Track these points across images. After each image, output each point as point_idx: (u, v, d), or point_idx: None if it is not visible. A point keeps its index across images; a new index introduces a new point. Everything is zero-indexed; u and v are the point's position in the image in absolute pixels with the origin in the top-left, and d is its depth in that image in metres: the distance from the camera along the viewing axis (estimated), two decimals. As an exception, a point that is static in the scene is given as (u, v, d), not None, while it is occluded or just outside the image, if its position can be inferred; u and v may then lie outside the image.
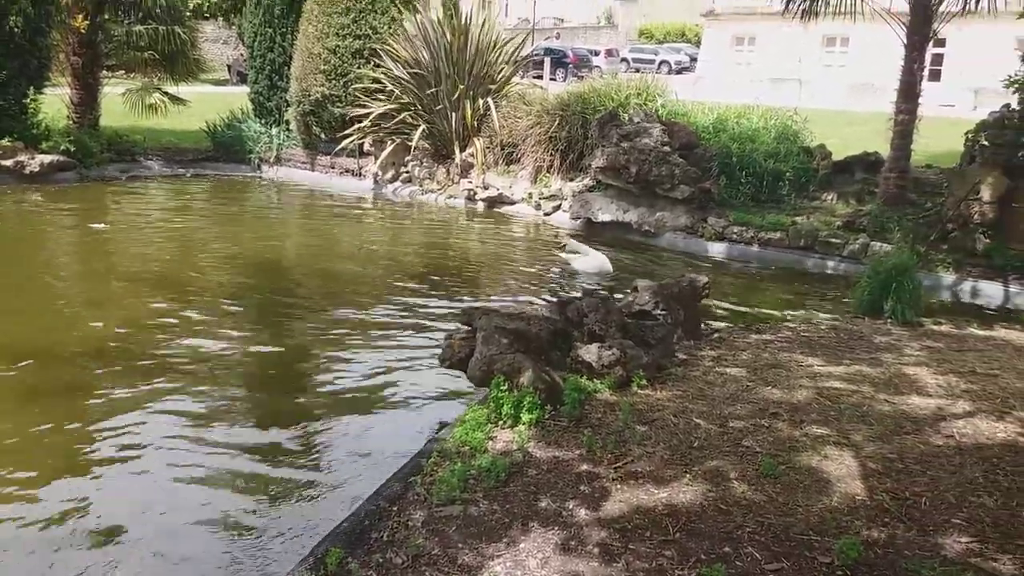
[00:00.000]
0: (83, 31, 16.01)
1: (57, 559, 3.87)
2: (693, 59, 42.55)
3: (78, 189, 13.92)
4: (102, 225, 11.45)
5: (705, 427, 4.69)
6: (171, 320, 7.35)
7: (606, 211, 11.92)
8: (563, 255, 9.92)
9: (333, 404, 5.74)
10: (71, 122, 15.93)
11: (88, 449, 4.94)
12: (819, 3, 11.39)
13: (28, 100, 14.10)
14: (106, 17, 16.55)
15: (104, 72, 17.04)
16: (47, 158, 14.00)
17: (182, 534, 4.13)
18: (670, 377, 5.51)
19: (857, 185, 11.50)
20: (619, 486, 4.01)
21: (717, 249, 10.88)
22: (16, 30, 13.53)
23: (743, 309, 8.26)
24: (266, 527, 4.18)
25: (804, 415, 4.90)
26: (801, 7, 11.54)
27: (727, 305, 8.32)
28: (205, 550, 4.02)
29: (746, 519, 3.71)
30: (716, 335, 6.77)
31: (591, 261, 9.67)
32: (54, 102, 15.62)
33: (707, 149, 11.88)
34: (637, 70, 33.05)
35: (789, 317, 7.94)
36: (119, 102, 16.81)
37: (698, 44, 42.56)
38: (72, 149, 14.45)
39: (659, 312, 6.12)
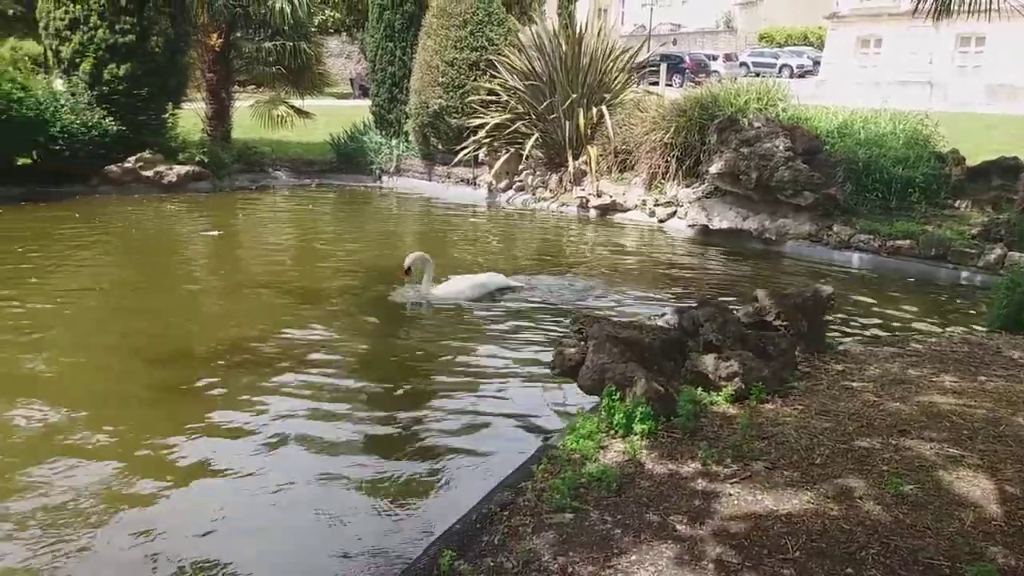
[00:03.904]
0: (217, 49, 16.98)
1: (178, 548, 4.05)
2: (816, 62, 41.34)
3: (210, 198, 14.67)
4: (215, 232, 12.04)
5: (828, 443, 4.49)
6: (292, 324, 7.62)
7: (724, 218, 11.65)
8: (419, 288, 8.29)
9: (444, 407, 5.82)
10: (205, 135, 16.88)
11: (211, 447, 5.16)
12: (953, 1, 10.81)
13: (167, 115, 14.98)
14: (238, 35, 17.47)
15: (235, 87, 18.00)
16: (183, 169, 14.82)
17: (299, 530, 4.26)
18: (791, 391, 5.31)
19: (994, 192, 10.84)
20: (736, 501, 3.89)
21: (843, 258, 10.47)
22: (157, 50, 14.39)
23: (870, 321, 7.89)
24: (379, 525, 4.27)
25: (935, 433, 4.63)
26: (932, 6, 10.98)
27: (853, 317, 7.98)
28: (320, 546, 4.13)
29: (871, 540, 3.53)
30: (841, 348, 6.49)
31: (453, 286, 8.34)
32: (190, 116, 16.54)
33: (831, 154, 11.47)
34: (757, 75, 32.30)
35: (919, 330, 7.55)
36: (249, 115, 17.67)
37: (821, 47, 41.30)
38: (206, 160, 15.26)
39: (780, 323, 5.93)
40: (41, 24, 14.47)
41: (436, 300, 8.22)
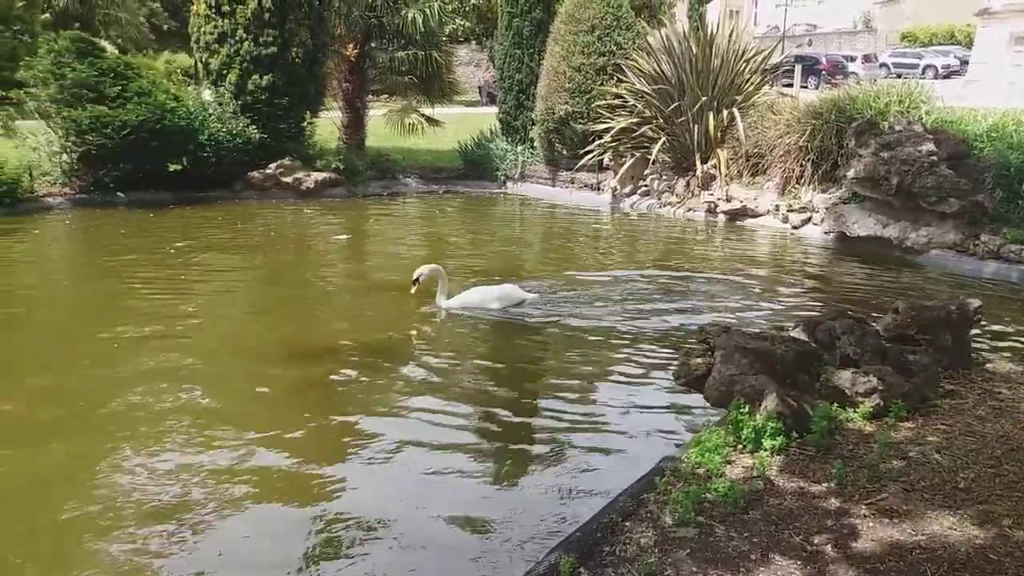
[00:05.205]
0: (353, 59, 17.62)
1: (312, 541, 4.20)
2: (964, 62, 39.04)
3: (345, 204, 15.18)
4: (345, 236, 12.49)
5: (973, 466, 4.22)
6: (416, 325, 7.85)
7: (862, 225, 11.15)
8: (440, 303, 8.16)
9: (563, 414, 5.79)
10: (341, 143, 17.53)
11: (348, 444, 5.34)
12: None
13: (305, 123, 15.60)
14: (372, 45, 18.06)
15: (369, 96, 18.58)
16: (320, 176, 15.41)
17: (419, 526, 4.34)
18: (934, 409, 5.02)
19: None
20: (872, 524, 3.70)
21: (991, 269, 9.82)
22: (297, 61, 15.03)
23: (1021, 338, 7.37)
24: (498, 525, 4.31)
25: (1098, 461, 4.28)
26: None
27: (1003, 332, 7.46)
28: (440, 543, 4.21)
29: (1022, 573, 3.29)
30: (988, 366, 6.08)
31: (468, 297, 8.25)
32: (326, 125, 17.20)
33: (980, 159, 10.79)
34: (899, 76, 30.83)
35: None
36: (381, 124, 18.23)
37: (969, 46, 38.97)
38: (341, 167, 15.82)
39: (922, 338, 5.61)
40: (193, 38, 15.39)
41: (451, 310, 8.16)
